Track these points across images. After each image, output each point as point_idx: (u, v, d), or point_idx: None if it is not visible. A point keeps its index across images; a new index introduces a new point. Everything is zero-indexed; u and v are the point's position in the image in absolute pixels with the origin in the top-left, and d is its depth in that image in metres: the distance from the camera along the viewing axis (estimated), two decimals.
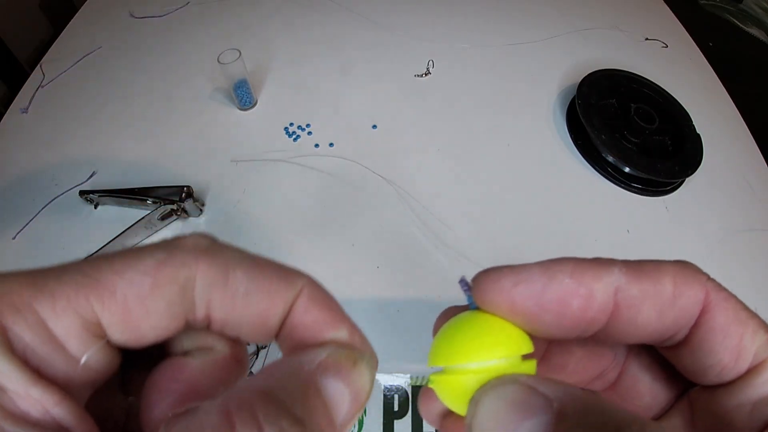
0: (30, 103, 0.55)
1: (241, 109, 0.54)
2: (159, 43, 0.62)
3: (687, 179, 0.50)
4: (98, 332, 0.13)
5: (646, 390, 0.17)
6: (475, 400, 0.13)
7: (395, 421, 0.36)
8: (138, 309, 0.13)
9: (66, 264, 0.14)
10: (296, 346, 0.15)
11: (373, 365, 0.14)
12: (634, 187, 0.49)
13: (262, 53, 0.60)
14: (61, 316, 0.12)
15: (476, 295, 0.15)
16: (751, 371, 0.14)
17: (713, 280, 0.14)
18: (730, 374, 0.14)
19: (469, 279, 0.15)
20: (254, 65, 0.58)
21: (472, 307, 0.15)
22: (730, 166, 0.53)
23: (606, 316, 0.14)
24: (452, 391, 0.14)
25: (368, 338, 0.17)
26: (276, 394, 0.12)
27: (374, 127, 0.53)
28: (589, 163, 0.51)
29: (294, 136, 0.52)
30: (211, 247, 0.14)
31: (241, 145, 0.51)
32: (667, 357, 0.16)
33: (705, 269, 0.15)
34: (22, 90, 0.57)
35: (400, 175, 0.49)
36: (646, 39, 0.65)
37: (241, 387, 0.13)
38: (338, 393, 0.13)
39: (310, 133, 0.52)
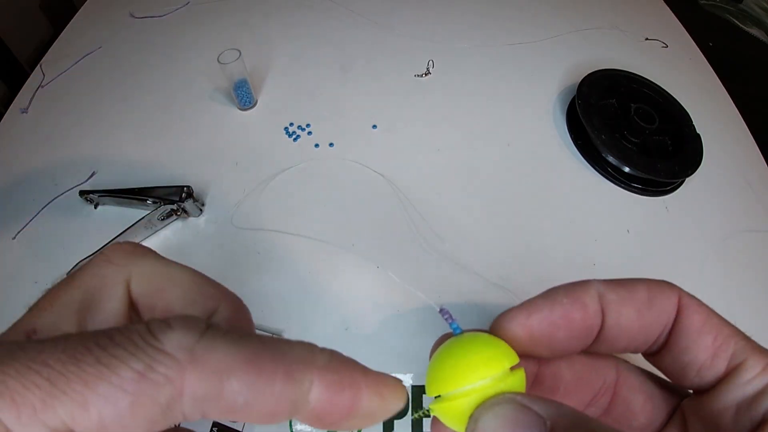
0: (30, 103, 0.55)
1: (241, 109, 0.54)
2: (159, 43, 0.62)
3: (687, 179, 0.50)
4: None
5: (639, 411, 0.18)
6: (474, 418, 0.14)
7: (395, 421, 0.36)
8: (115, 425, 0.12)
9: (24, 348, 0.12)
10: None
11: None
12: (634, 187, 0.49)
13: (262, 53, 0.60)
14: (27, 426, 0.11)
15: (499, 333, 0.16)
16: (731, 374, 0.15)
17: (686, 292, 0.16)
18: (710, 374, 0.15)
19: (447, 307, 0.17)
20: (254, 65, 0.58)
21: (457, 332, 0.16)
22: (730, 166, 0.53)
23: (599, 321, 0.16)
24: (452, 416, 0.15)
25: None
26: None
27: (374, 127, 0.53)
28: (589, 163, 0.51)
29: (294, 136, 0.52)
30: (199, 348, 0.13)
31: (241, 145, 0.51)
32: (653, 364, 0.17)
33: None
34: (22, 90, 0.57)
35: (400, 175, 0.49)
36: (646, 39, 0.65)
37: None
38: None
39: (310, 133, 0.52)
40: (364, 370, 0.14)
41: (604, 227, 0.47)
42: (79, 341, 0.12)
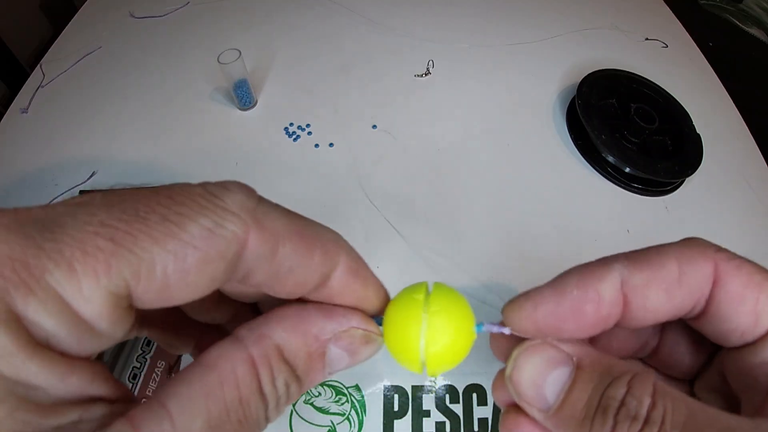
0: (30, 103, 0.55)
1: (241, 109, 0.54)
2: (159, 43, 0.62)
3: (687, 179, 0.50)
4: (127, 304, 0.12)
5: (684, 354, 0.18)
6: (513, 358, 0.16)
7: (395, 421, 0.36)
8: (178, 283, 0.12)
9: (72, 212, 0.11)
10: (325, 303, 0.16)
11: (381, 341, 0.17)
12: (634, 187, 0.49)
13: (262, 53, 0.60)
14: (89, 297, 0.11)
15: (507, 323, 0.17)
16: None
17: (724, 251, 0.15)
18: (752, 335, 0.15)
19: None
20: (254, 65, 0.58)
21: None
22: (730, 166, 0.53)
23: (619, 308, 0.15)
24: (441, 363, 0.16)
25: None
26: (287, 355, 0.14)
27: (374, 127, 0.53)
28: (589, 163, 0.51)
29: (294, 136, 0.52)
30: (259, 212, 0.13)
31: (241, 145, 0.51)
32: (693, 326, 0.17)
33: None
34: (22, 90, 0.57)
35: (399, 175, 0.49)
36: (646, 39, 0.65)
37: (262, 334, 0.14)
38: (340, 358, 0.16)
39: (310, 133, 0.52)
40: (370, 270, 0.17)
41: (604, 227, 0.47)
42: (137, 201, 0.12)
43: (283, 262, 0.14)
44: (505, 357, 0.17)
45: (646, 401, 0.13)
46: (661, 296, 0.15)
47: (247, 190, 0.14)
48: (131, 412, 0.12)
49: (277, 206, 0.14)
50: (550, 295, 0.16)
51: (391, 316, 0.16)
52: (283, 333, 0.14)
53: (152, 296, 0.12)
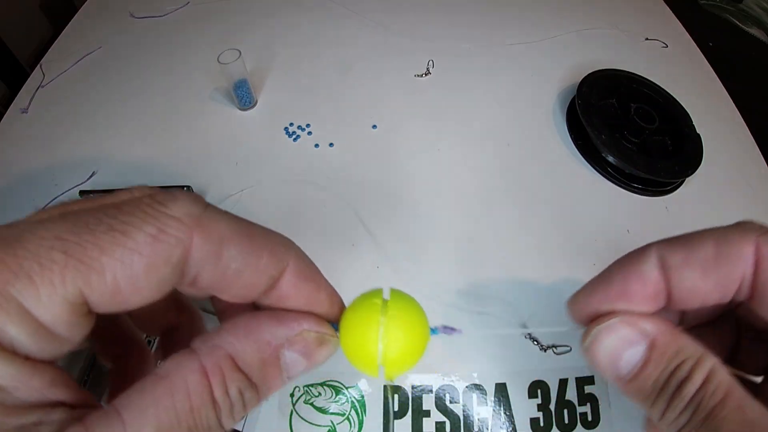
0: (30, 103, 0.55)
1: (241, 109, 0.54)
2: (159, 43, 0.62)
3: (687, 179, 0.50)
4: (85, 310, 0.13)
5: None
6: (593, 334, 0.17)
7: (395, 421, 0.36)
8: (128, 288, 0.13)
9: (31, 229, 0.13)
10: (276, 310, 0.16)
11: (337, 342, 0.17)
12: (634, 187, 0.49)
13: (262, 53, 0.60)
14: (47, 304, 0.12)
15: (571, 314, 0.18)
16: None
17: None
18: None
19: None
20: (254, 65, 0.58)
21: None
22: (730, 166, 0.53)
23: (663, 286, 0.16)
24: (401, 365, 0.16)
25: None
26: (241, 363, 0.15)
27: (374, 127, 0.53)
28: (589, 163, 0.51)
29: (294, 136, 0.52)
30: (204, 217, 0.14)
31: (241, 145, 0.51)
32: (747, 320, 0.18)
33: None
34: (22, 90, 0.57)
35: (399, 174, 0.49)
36: (646, 39, 0.65)
37: (215, 345, 0.14)
38: (296, 362, 0.16)
39: (310, 133, 0.52)
40: (322, 274, 0.17)
41: (604, 227, 0.47)
42: (88, 214, 0.13)
43: (229, 263, 0.14)
44: (581, 319, 0.18)
45: (698, 385, 0.14)
46: (697, 276, 0.16)
47: (194, 198, 0.15)
48: (86, 418, 0.13)
49: (225, 212, 0.15)
50: (599, 284, 0.17)
51: (349, 320, 0.17)
52: (235, 342, 0.15)
53: (107, 301, 0.13)
